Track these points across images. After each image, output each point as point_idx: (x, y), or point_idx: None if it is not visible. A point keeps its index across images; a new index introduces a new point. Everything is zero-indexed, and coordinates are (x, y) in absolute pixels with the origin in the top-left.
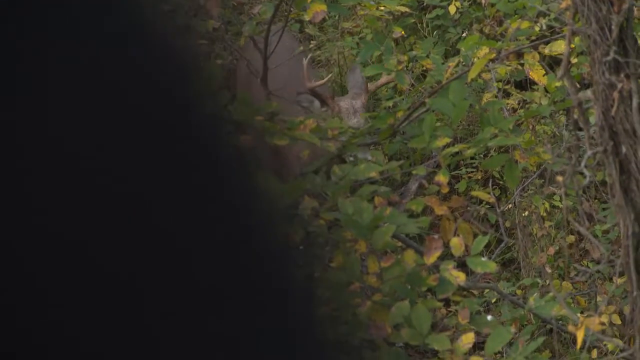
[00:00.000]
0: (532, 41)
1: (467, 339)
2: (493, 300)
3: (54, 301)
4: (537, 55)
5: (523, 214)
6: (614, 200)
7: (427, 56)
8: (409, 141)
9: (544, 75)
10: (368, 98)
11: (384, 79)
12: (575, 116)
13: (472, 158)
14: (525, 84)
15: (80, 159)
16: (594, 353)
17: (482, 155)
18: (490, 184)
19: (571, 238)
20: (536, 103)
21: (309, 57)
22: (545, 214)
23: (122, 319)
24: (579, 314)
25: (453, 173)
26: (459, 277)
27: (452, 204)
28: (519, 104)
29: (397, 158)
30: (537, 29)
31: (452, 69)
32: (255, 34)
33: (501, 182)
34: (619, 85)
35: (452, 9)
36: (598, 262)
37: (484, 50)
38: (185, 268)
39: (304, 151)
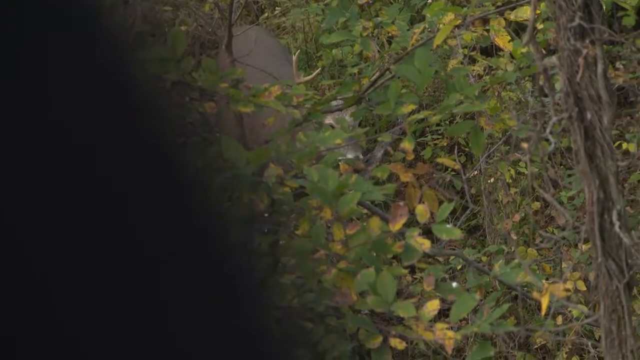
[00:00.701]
0: (498, 7)
1: (433, 306)
2: (458, 267)
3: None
4: (503, 22)
5: (488, 181)
6: (579, 167)
7: (393, 23)
8: (374, 108)
9: (509, 42)
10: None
11: None
12: (541, 82)
13: (437, 125)
14: (490, 51)
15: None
16: (559, 319)
17: (447, 122)
18: (455, 151)
19: (536, 205)
20: (502, 69)
21: (297, 52)
22: (510, 181)
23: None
24: (544, 281)
25: (418, 140)
26: (424, 244)
27: (418, 171)
28: (484, 70)
29: (363, 125)
30: None
31: (418, 35)
32: (220, 0)
33: (467, 149)
34: (584, 52)
35: None
36: (563, 229)
37: (450, 16)
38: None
39: (269, 118)
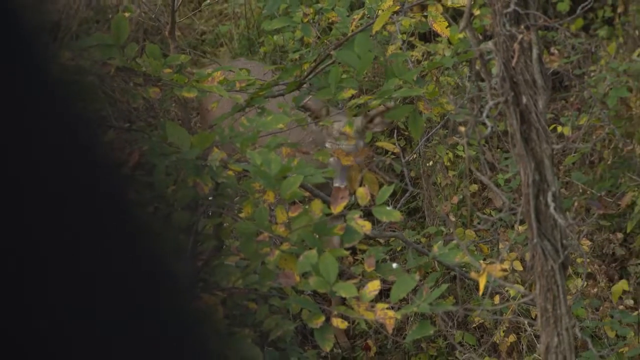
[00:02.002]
0: None
1: (373, 287)
2: (398, 249)
3: None
4: (440, 7)
5: (427, 164)
6: (515, 150)
7: (333, 9)
8: (315, 93)
9: (447, 28)
10: (365, 122)
11: (380, 108)
12: (477, 67)
13: None
14: (428, 36)
15: None
16: (497, 299)
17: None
18: (395, 135)
19: (474, 187)
20: (439, 55)
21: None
22: (449, 164)
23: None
24: (481, 261)
25: None
26: (365, 226)
27: (358, 155)
28: (423, 55)
29: (304, 110)
30: None
31: (357, 21)
32: None
33: (406, 133)
34: (520, 37)
35: None
36: (500, 211)
37: (388, 2)
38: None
39: (213, 103)
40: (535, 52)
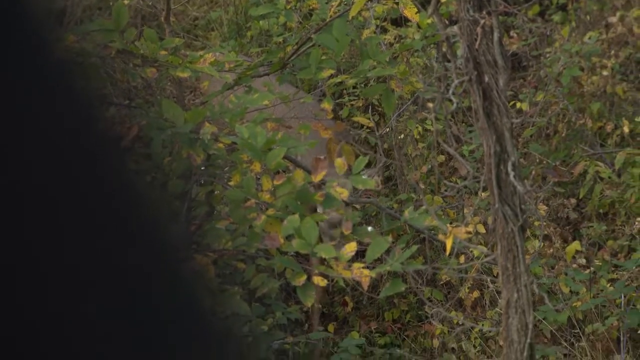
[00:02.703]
0: None
1: (350, 248)
2: (373, 214)
3: None
4: None
5: (399, 137)
6: (478, 124)
7: None
8: (297, 73)
9: (416, 13)
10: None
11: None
12: (444, 49)
13: (353, 87)
14: (400, 21)
15: None
16: (462, 258)
17: (362, 85)
18: (370, 111)
19: (441, 157)
20: (410, 38)
21: None
22: (418, 137)
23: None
24: (448, 225)
25: (337, 101)
26: (343, 193)
27: (336, 129)
28: (394, 38)
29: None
30: None
31: (335, 8)
32: None
33: (380, 109)
34: (482, 22)
35: None
36: (465, 179)
37: None
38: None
39: (204, 82)
40: (496, 35)
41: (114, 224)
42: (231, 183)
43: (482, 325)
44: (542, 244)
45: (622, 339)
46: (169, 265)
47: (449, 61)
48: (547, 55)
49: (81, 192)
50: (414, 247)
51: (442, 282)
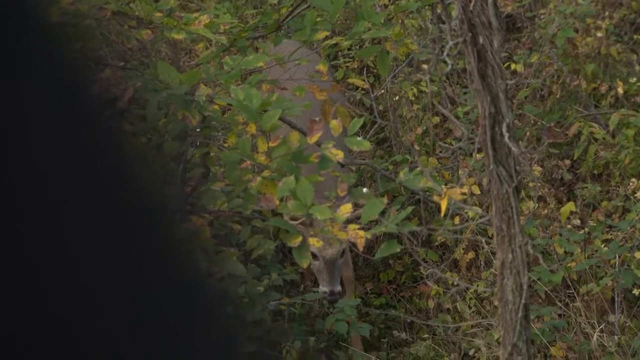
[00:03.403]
0: None
1: (345, 209)
2: (368, 175)
3: None
4: None
5: (394, 98)
6: (472, 85)
7: None
8: (292, 35)
9: None
10: None
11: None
12: (439, 11)
13: (348, 49)
14: None
15: None
16: (457, 220)
17: (357, 47)
18: (365, 72)
19: (436, 119)
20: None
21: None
22: (413, 98)
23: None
24: (443, 186)
25: (332, 62)
26: (338, 155)
27: (331, 90)
28: (389, 0)
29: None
30: None
31: None
32: None
33: (374, 70)
34: None
35: None
36: (459, 140)
37: None
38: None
39: (199, 43)
40: None
41: (109, 183)
42: (226, 145)
43: (477, 286)
44: (537, 205)
45: (616, 299)
46: (166, 226)
47: (443, 23)
48: (542, 16)
49: (74, 153)
50: (409, 209)
51: (437, 243)
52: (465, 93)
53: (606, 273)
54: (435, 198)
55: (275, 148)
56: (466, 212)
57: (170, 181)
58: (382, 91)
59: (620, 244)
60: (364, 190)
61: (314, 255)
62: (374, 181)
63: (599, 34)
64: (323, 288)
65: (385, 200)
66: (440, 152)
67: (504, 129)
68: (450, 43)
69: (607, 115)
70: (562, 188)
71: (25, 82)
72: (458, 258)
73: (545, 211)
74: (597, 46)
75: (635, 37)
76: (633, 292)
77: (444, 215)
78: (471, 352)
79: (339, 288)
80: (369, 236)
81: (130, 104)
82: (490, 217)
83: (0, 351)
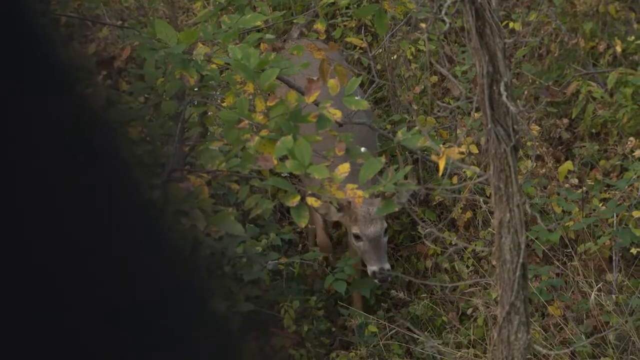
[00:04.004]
0: None
1: (343, 169)
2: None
3: None
4: None
5: (392, 57)
6: (470, 44)
7: None
8: None
9: None
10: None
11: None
12: None
13: (346, 8)
14: None
15: None
16: (454, 179)
17: (355, 5)
18: (362, 31)
19: (434, 78)
20: None
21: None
22: (411, 57)
23: None
24: (441, 145)
25: (330, 22)
26: (336, 114)
27: (329, 49)
28: None
29: (280, 9)
30: None
31: None
32: None
33: (372, 29)
34: None
35: None
36: (458, 99)
37: None
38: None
39: (197, 2)
40: None
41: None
42: (224, 104)
43: (475, 245)
44: (535, 164)
45: (614, 258)
46: (164, 185)
47: None
48: None
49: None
50: (407, 168)
51: (435, 203)
52: (463, 52)
53: (604, 232)
54: (433, 157)
55: (273, 107)
56: (464, 172)
57: (168, 140)
58: (380, 50)
59: (618, 202)
60: (362, 149)
61: (357, 237)
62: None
63: None
64: (372, 267)
65: (383, 159)
66: (438, 111)
67: (502, 88)
68: (449, 1)
69: (605, 74)
70: (560, 147)
71: (22, 36)
72: (456, 217)
73: (543, 170)
74: (595, 4)
75: None
76: (631, 250)
77: (442, 175)
78: (469, 312)
79: (388, 265)
80: (366, 195)
81: (127, 63)
82: (488, 177)
83: (5, 352)
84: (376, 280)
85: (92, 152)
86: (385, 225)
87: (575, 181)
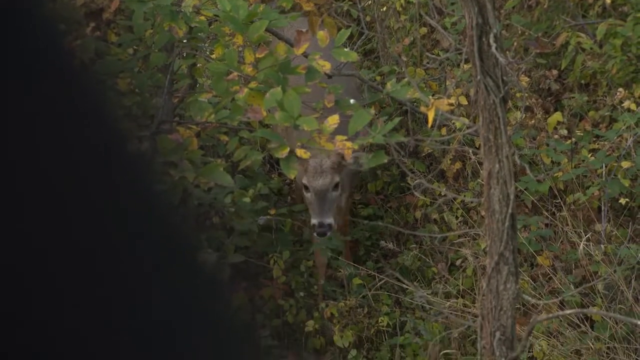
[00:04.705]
0: None
1: (333, 120)
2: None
3: None
4: None
5: (381, 9)
6: None
7: None
8: None
9: None
10: (339, 161)
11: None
12: None
13: None
14: None
15: None
16: (444, 130)
17: None
18: None
19: (424, 30)
20: None
21: None
22: (400, 9)
23: None
24: (430, 97)
25: None
26: (325, 66)
27: (318, 1)
28: None
29: None
30: None
31: None
32: None
33: None
34: None
35: None
36: (447, 51)
37: None
38: None
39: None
40: None
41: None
42: (213, 56)
43: (464, 196)
44: (524, 115)
45: (603, 208)
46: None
47: None
48: None
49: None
50: (397, 119)
51: (424, 154)
52: (452, 4)
53: (593, 182)
54: (423, 109)
55: (262, 59)
56: (453, 123)
57: (157, 92)
58: (370, 2)
59: (607, 153)
60: (352, 101)
61: (305, 187)
62: (361, 92)
63: None
64: (313, 220)
65: (372, 111)
66: (428, 62)
67: (491, 40)
68: None
69: (594, 25)
70: (549, 98)
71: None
72: (445, 169)
73: (533, 121)
74: None
75: None
76: (619, 201)
77: (432, 126)
78: (458, 262)
79: (329, 220)
80: (356, 147)
81: (116, 15)
82: (477, 128)
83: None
84: (315, 234)
85: (80, 104)
86: (337, 180)
87: (565, 132)
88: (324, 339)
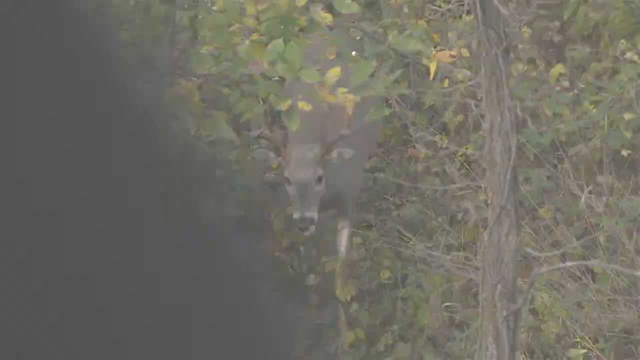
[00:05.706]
0: None
1: (334, 73)
2: (357, 38)
3: None
4: None
5: None
6: None
7: None
8: None
9: None
10: (323, 151)
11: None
12: None
13: None
14: None
15: None
16: (446, 82)
17: None
18: None
19: None
20: None
21: None
22: None
23: None
24: (432, 49)
25: None
26: (327, 18)
27: None
28: None
29: None
30: None
31: None
32: None
33: None
34: None
35: None
36: (449, 2)
37: None
38: None
39: None
40: None
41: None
42: (215, 8)
43: (466, 148)
44: (526, 67)
45: (604, 160)
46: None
47: None
48: None
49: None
50: (399, 72)
51: (426, 106)
52: None
53: (595, 134)
54: (425, 61)
55: (264, 11)
56: (455, 75)
57: (159, 43)
58: None
59: (610, 105)
60: (353, 53)
61: (287, 180)
62: (362, 44)
63: None
64: (294, 214)
65: (374, 63)
66: (430, 14)
67: None
68: None
69: None
70: (551, 50)
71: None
72: (447, 121)
73: (535, 73)
74: None
75: None
76: (621, 153)
77: (433, 78)
78: (459, 215)
79: (310, 214)
80: (357, 99)
81: None
82: (479, 80)
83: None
84: (297, 227)
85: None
86: (320, 173)
87: (567, 84)
88: (325, 293)
